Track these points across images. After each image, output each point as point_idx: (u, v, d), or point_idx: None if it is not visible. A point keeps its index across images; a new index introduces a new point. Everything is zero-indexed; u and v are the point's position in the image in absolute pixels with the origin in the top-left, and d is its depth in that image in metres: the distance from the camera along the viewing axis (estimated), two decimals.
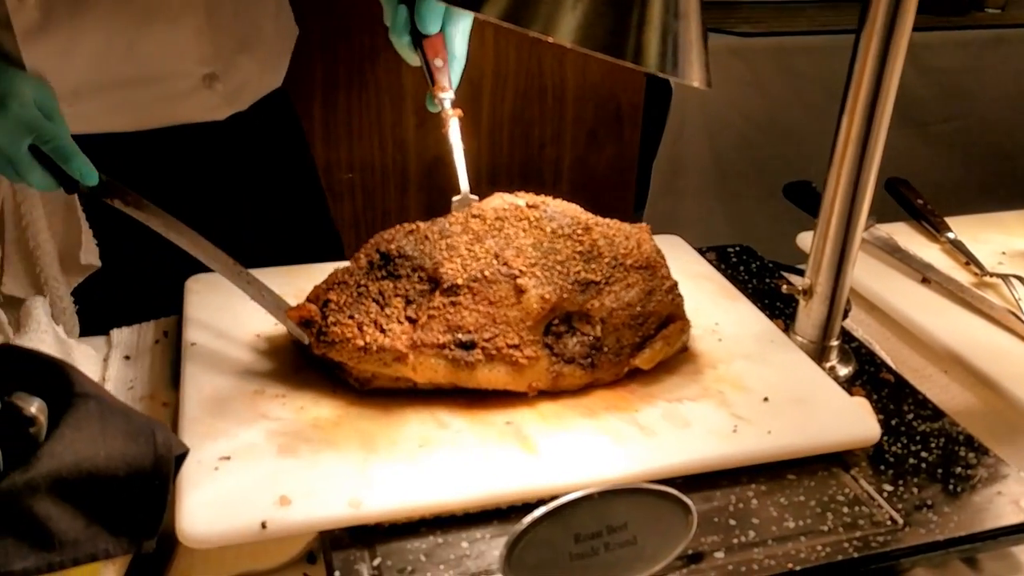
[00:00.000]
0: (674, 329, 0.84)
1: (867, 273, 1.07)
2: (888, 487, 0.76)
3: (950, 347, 0.95)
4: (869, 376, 0.91)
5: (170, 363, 0.93)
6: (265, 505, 0.67)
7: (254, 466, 0.71)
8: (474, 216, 0.82)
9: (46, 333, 0.90)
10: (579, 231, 0.83)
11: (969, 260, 1.08)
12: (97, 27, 0.97)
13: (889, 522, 0.72)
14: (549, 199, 0.86)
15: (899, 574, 0.71)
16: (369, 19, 2.06)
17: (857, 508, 0.73)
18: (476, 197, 0.93)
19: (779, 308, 1.02)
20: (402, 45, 0.98)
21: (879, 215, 1.31)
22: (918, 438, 0.81)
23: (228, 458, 0.71)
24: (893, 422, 0.84)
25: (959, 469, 0.78)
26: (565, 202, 0.88)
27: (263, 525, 0.65)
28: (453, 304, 0.77)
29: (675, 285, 0.86)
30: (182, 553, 0.69)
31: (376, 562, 0.66)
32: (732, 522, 0.71)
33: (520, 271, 0.78)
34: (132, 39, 0.99)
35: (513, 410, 0.79)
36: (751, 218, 2.42)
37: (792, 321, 0.95)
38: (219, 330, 0.89)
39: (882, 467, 0.78)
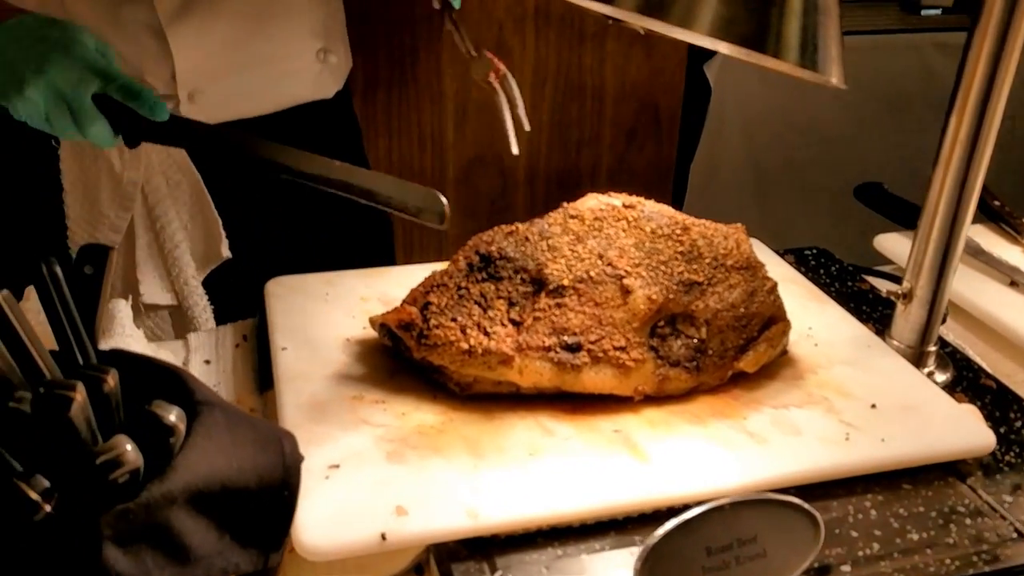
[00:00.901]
0: (777, 331, 0.82)
1: (955, 277, 1.05)
2: (1008, 498, 0.73)
3: None
4: (968, 382, 0.89)
5: (253, 368, 0.91)
6: (382, 515, 0.65)
7: (365, 474, 0.69)
8: (572, 217, 0.80)
9: (131, 337, 0.88)
10: (678, 231, 0.81)
11: None
12: (231, 7, 0.98)
13: (1015, 535, 0.70)
14: (642, 199, 0.84)
15: None
16: (410, 18, 2.05)
17: (980, 520, 0.71)
18: None
19: (865, 312, 1.00)
20: None
21: None
22: None
23: (337, 466, 0.69)
24: (1002, 430, 0.82)
25: None
26: (656, 202, 0.86)
27: (383, 536, 0.63)
28: (558, 306, 0.75)
29: (775, 286, 0.84)
30: (287, 564, 0.67)
31: (498, 575, 0.64)
32: (854, 534, 0.69)
33: (626, 271, 0.76)
34: (260, 16, 1.00)
35: (618, 416, 0.77)
36: (790, 219, 2.40)
37: (886, 325, 0.93)
38: (307, 334, 0.87)
39: (997, 477, 0.76)
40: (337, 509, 0.65)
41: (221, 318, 1.09)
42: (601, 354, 0.74)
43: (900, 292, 0.88)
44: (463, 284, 0.76)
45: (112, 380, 0.54)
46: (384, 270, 1.00)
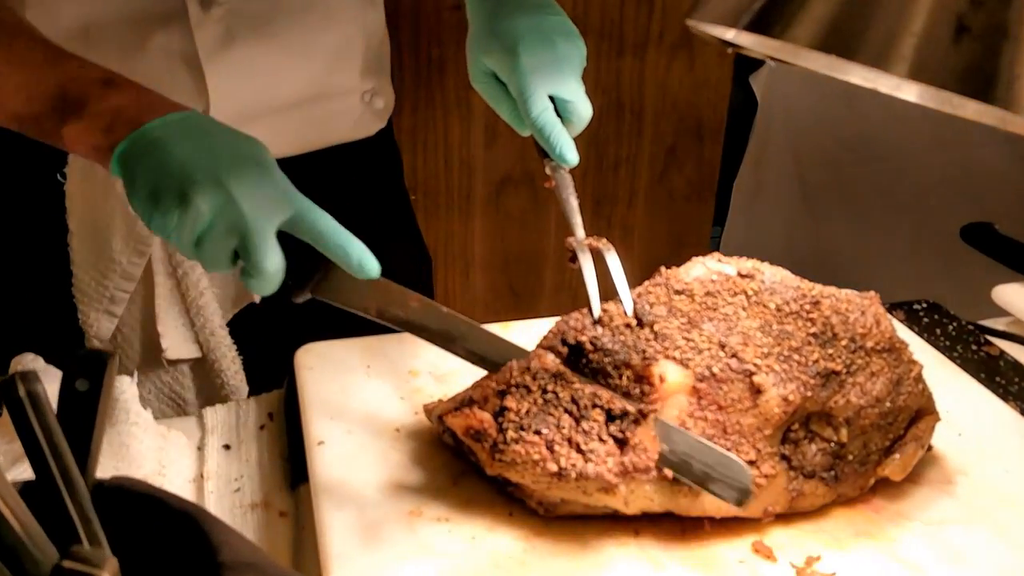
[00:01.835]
0: (926, 426, 0.67)
1: None
2: None
3: None
4: None
5: (282, 455, 0.77)
6: None
7: None
8: (677, 292, 0.65)
9: (136, 425, 0.74)
10: (807, 306, 0.66)
11: None
12: (276, 42, 0.86)
13: None
14: (759, 264, 0.70)
15: None
16: (436, 29, 1.91)
17: None
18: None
19: (1001, 385, 0.85)
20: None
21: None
22: None
23: None
24: None
25: None
26: (773, 266, 0.71)
27: None
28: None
29: (921, 371, 0.69)
30: None
31: None
32: None
33: (755, 365, 0.61)
34: (308, 51, 0.88)
35: (740, 540, 0.62)
36: (840, 243, 2.25)
37: None
38: (347, 421, 0.72)
39: None
40: None
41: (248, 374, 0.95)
42: None
43: None
44: (550, 387, 0.61)
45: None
46: None
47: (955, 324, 0.95)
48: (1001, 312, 1.00)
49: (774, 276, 0.68)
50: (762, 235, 2.26)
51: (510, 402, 0.60)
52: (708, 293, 0.65)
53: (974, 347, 0.91)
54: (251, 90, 0.86)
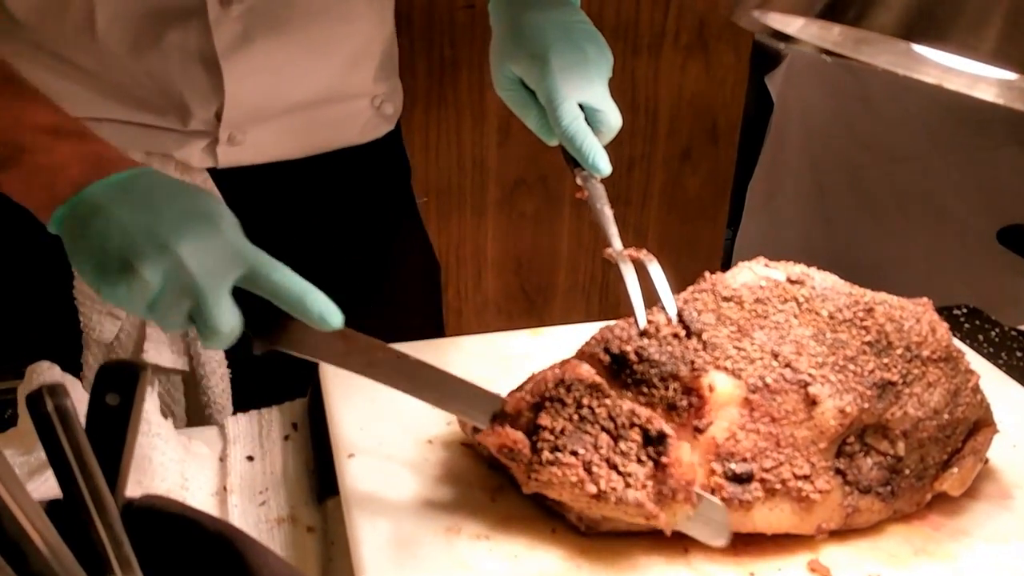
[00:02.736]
0: (984, 439, 0.65)
1: None
2: None
3: None
4: None
5: (308, 467, 0.74)
6: None
7: None
8: (725, 299, 0.63)
9: (158, 436, 0.71)
10: (860, 314, 0.63)
11: None
12: (294, 42, 0.83)
13: None
14: (809, 269, 0.67)
15: None
16: (449, 29, 1.88)
17: None
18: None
19: None
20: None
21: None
22: None
23: None
24: None
25: None
26: (823, 272, 0.68)
27: None
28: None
29: (979, 380, 0.66)
30: None
31: None
32: None
33: (810, 375, 0.58)
34: (326, 50, 0.85)
35: (793, 558, 0.59)
36: (855, 244, 2.22)
37: None
38: (377, 434, 0.70)
39: None
40: None
41: (248, 391, 0.91)
42: (779, 485, 0.57)
43: None
44: (584, 400, 0.58)
45: None
46: (460, 341, 0.82)
47: (997, 330, 0.92)
48: None
49: (824, 282, 0.65)
50: (777, 236, 2.24)
51: (544, 419, 0.57)
52: (758, 300, 0.62)
53: (1019, 354, 0.88)
54: (266, 90, 0.84)
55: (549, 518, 0.61)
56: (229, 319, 0.55)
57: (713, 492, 0.56)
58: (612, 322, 0.63)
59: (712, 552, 0.59)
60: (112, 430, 0.45)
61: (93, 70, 0.80)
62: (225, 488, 0.72)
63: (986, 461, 0.67)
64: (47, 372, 0.72)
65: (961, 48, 0.40)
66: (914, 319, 0.65)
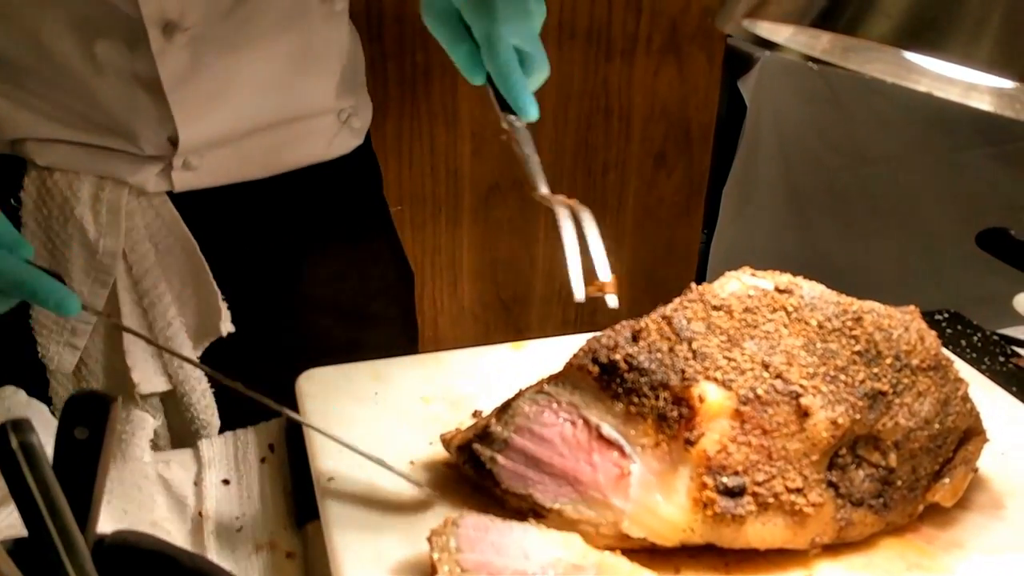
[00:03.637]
0: (975, 448, 0.64)
1: None
2: None
3: None
4: None
5: (285, 491, 0.72)
6: None
7: None
8: (715, 308, 0.61)
9: (148, 464, 0.69)
10: (850, 323, 0.62)
11: None
12: (249, 66, 0.80)
13: None
14: (796, 279, 0.66)
15: None
16: (421, 35, 1.86)
17: None
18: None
19: None
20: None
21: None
22: None
23: None
24: None
25: None
26: (810, 281, 0.67)
27: None
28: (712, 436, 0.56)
29: (968, 388, 0.65)
30: None
31: None
32: None
33: (801, 387, 0.57)
34: (278, 77, 0.83)
35: (784, 575, 0.58)
36: (829, 248, 2.22)
37: None
38: (357, 454, 0.68)
39: None
40: None
41: (226, 410, 0.89)
42: (772, 499, 0.56)
43: None
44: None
45: None
46: (442, 357, 0.81)
47: (980, 335, 0.91)
48: (1018, 320, 0.97)
49: (812, 291, 0.64)
50: (752, 240, 2.24)
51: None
52: (747, 309, 0.61)
53: (1002, 359, 0.88)
54: (220, 116, 0.81)
55: None
56: None
57: (705, 507, 0.55)
58: (597, 333, 0.61)
59: (704, 571, 0.57)
60: (81, 464, 0.43)
61: (42, 91, 0.78)
62: (200, 514, 0.70)
63: (976, 470, 0.66)
64: (12, 398, 0.70)
65: (958, 56, 0.39)
66: (903, 328, 0.64)
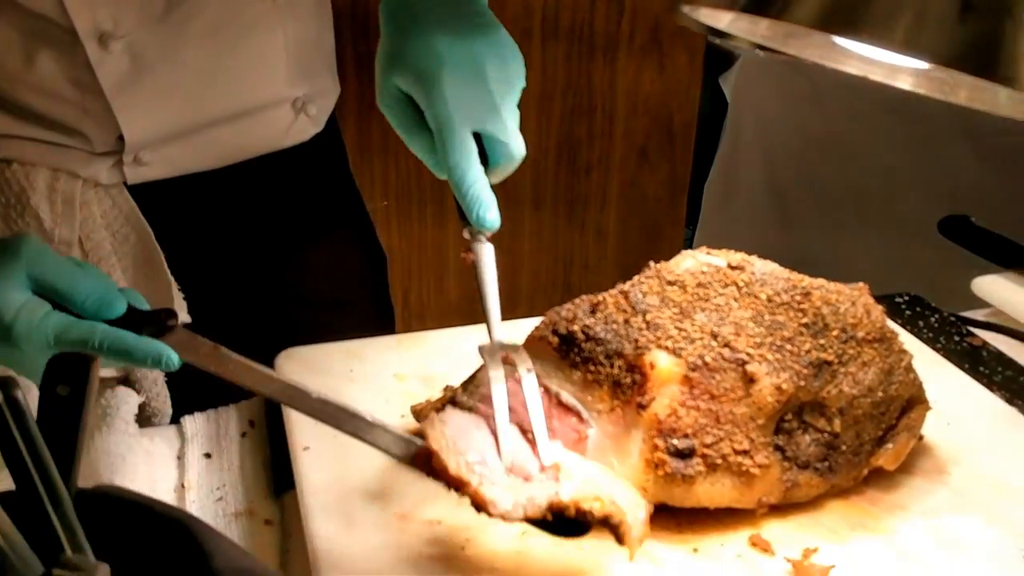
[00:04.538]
0: (917, 416, 0.67)
1: None
2: None
3: None
4: None
5: (264, 464, 0.75)
6: None
7: None
8: (670, 283, 0.65)
9: (133, 436, 0.72)
10: (798, 297, 0.66)
11: None
12: (191, 65, 0.81)
13: None
14: (748, 257, 0.69)
15: None
16: None
17: None
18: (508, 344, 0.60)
19: (985, 375, 0.85)
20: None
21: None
22: None
23: None
24: None
25: None
26: (764, 259, 0.70)
27: None
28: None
29: (911, 359, 0.69)
30: None
31: None
32: None
33: (748, 354, 0.61)
34: (227, 69, 0.84)
35: (735, 534, 0.61)
36: (810, 241, 2.26)
37: (1016, 393, 0.78)
38: (331, 426, 0.71)
39: None
40: None
41: (189, 398, 0.91)
42: (720, 460, 0.59)
43: None
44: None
45: None
46: (420, 336, 0.84)
47: (937, 316, 0.95)
48: (980, 304, 1.01)
49: (764, 268, 0.68)
50: (734, 235, 2.27)
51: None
52: (700, 284, 0.65)
53: (957, 338, 0.91)
54: (165, 115, 0.82)
55: None
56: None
57: (657, 467, 0.58)
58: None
59: (657, 531, 0.61)
60: (64, 420, 0.46)
61: None
62: (183, 485, 0.73)
63: (921, 438, 0.70)
64: None
65: (874, 38, 0.43)
66: (850, 302, 0.67)
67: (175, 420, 0.82)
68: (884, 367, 0.66)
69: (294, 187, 0.95)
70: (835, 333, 0.65)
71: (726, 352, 0.60)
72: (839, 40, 0.52)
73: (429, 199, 2.09)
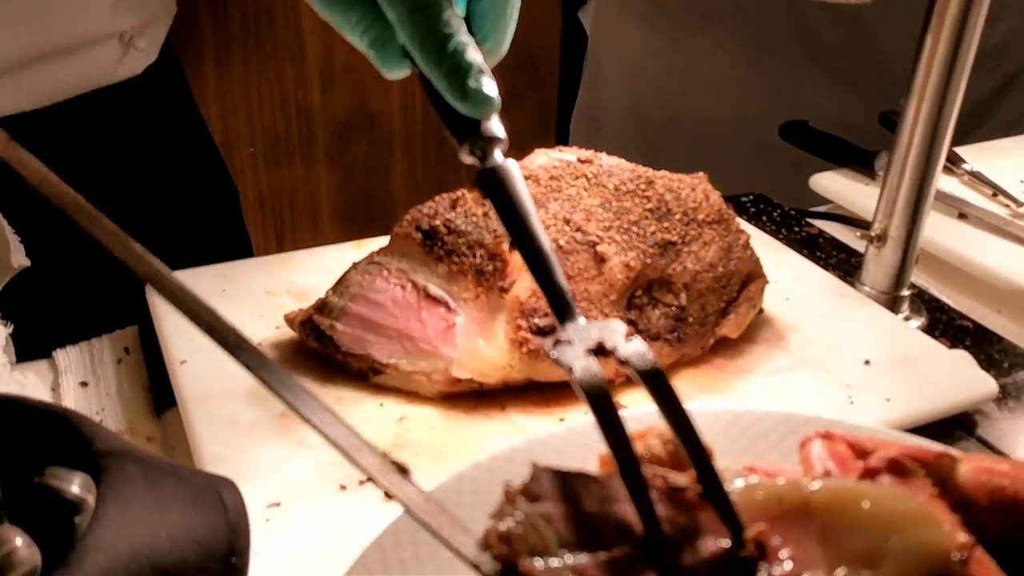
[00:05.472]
0: (756, 288, 0.73)
1: None
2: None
3: (1009, 281, 0.88)
4: (944, 326, 0.83)
5: (144, 386, 0.76)
6: (345, 560, 0.52)
7: (316, 511, 0.56)
8: (525, 178, 0.68)
9: (2, 367, 0.71)
10: (642, 185, 0.71)
11: (996, 191, 1.02)
12: (7, 3, 0.79)
13: None
14: (596, 153, 0.74)
15: None
16: None
17: None
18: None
19: (821, 258, 0.93)
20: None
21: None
22: None
23: (278, 504, 0.56)
24: (991, 372, 0.76)
25: None
26: (611, 156, 0.75)
27: None
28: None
29: (749, 239, 0.75)
30: None
31: None
32: None
33: (598, 236, 0.65)
34: (32, 8, 0.81)
35: None
36: (676, 171, 2.35)
37: (848, 271, 0.86)
38: (207, 342, 0.72)
39: (1002, 425, 0.70)
40: (288, 558, 0.52)
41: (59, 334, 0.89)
42: None
43: (872, 235, 0.81)
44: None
45: None
46: (288, 256, 0.85)
47: (779, 211, 1.02)
48: (819, 200, 1.09)
49: (611, 161, 0.72)
50: None
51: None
52: (552, 177, 0.69)
53: (796, 228, 0.99)
54: None
55: (377, 393, 0.66)
56: None
57: (521, 345, 0.62)
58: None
59: (526, 405, 0.65)
60: None
61: None
62: None
63: (762, 311, 0.76)
64: None
65: None
66: (690, 188, 0.73)
67: (47, 355, 0.82)
68: (723, 245, 0.72)
69: (132, 121, 0.93)
70: (677, 216, 0.70)
71: (578, 236, 0.65)
72: None
73: (296, 144, 2.07)
